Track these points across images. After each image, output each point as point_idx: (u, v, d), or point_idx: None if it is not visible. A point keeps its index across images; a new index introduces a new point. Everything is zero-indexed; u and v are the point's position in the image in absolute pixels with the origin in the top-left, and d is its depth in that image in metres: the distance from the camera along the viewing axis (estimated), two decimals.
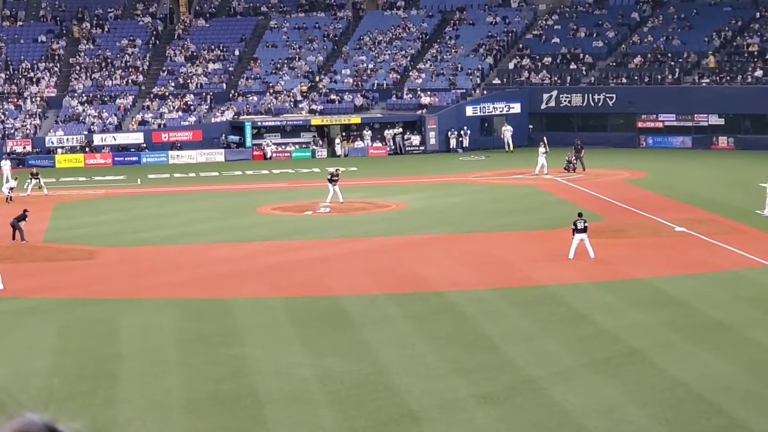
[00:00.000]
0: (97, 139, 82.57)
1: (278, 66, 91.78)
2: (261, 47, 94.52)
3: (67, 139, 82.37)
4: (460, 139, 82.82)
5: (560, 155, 68.69)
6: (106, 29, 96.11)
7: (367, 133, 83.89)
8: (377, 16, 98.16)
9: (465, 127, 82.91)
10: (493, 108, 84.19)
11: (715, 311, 33.55)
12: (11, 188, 60.84)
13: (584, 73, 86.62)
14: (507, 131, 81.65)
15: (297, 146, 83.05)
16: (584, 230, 41.44)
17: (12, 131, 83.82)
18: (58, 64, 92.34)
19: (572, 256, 41.27)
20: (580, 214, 42.45)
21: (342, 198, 56.81)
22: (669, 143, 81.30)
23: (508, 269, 40.70)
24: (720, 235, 45.95)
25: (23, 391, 26.32)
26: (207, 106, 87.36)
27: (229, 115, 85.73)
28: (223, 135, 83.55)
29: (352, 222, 52.64)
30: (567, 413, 24.71)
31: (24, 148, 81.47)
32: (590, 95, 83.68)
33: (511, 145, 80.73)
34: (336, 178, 57.05)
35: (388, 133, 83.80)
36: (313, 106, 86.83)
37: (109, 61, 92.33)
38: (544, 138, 69.00)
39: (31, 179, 63.85)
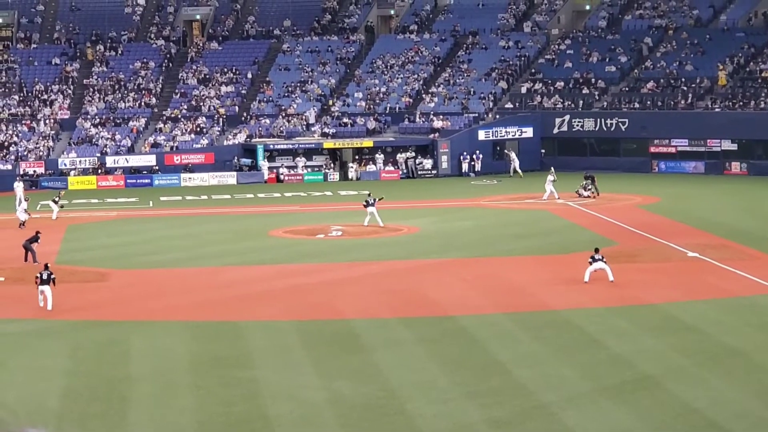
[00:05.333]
0: (110, 161, 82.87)
1: (291, 89, 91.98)
2: (273, 70, 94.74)
3: (80, 161, 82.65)
4: (473, 163, 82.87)
5: (571, 180, 68.59)
6: (119, 52, 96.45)
7: (380, 156, 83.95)
8: (390, 39, 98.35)
9: (477, 151, 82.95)
10: (506, 132, 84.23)
11: (727, 337, 33.44)
12: (25, 210, 60.60)
13: (597, 97, 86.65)
14: (513, 156, 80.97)
15: (309, 169, 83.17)
16: (602, 259, 41.42)
17: (25, 153, 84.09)
18: (72, 86, 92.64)
19: (587, 279, 41.20)
20: (597, 249, 42.39)
21: (381, 222, 56.84)
22: (681, 168, 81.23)
23: (520, 293, 40.64)
24: (732, 260, 45.83)
25: (35, 412, 26.30)
26: (219, 129, 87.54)
27: (241, 137, 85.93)
28: (236, 158, 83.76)
29: (363, 245, 52.63)
30: None
31: (36, 170, 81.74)
32: (603, 120, 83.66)
33: (520, 172, 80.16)
34: (371, 201, 57.16)
35: (401, 156, 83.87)
36: (326, 129, 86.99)
37: (122, 83, 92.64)
38: (552, 168, 69.35)
39: (56, 201, 63.53)
